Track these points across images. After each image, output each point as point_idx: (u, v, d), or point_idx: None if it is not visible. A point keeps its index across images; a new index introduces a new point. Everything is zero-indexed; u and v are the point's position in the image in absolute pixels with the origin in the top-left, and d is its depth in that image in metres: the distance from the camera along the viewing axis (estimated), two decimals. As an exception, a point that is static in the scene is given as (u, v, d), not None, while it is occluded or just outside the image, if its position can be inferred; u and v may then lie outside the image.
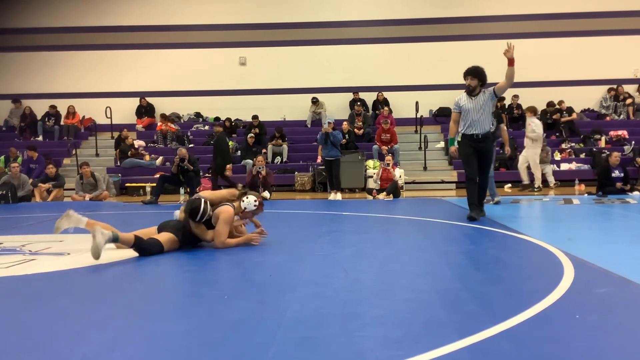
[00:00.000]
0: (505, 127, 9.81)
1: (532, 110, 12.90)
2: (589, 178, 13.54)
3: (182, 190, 11.46)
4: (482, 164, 7.19)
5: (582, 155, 15.33)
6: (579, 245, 5.19)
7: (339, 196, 11.64)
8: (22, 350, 2.67)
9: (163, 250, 5.09)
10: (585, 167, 14.79)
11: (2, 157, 14.27)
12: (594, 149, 15.33)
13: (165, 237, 5.18)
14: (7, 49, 18.03)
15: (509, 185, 13.74)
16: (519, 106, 16.93)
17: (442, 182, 14.48)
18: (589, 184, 12.79)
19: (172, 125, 16.81)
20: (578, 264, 4.25)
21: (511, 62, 6.82)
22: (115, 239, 4.91)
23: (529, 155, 12.59)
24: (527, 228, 6.35)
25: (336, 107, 17.64)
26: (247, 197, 5.52)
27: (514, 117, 16.89)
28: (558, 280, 3.73)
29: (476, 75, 6.98)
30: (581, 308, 3.18)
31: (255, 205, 5.53)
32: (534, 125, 12.49)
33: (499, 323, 2.85)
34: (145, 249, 5.00)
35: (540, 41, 17.56)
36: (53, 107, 17.34)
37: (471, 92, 7.03)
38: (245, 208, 5.51)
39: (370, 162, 14.38)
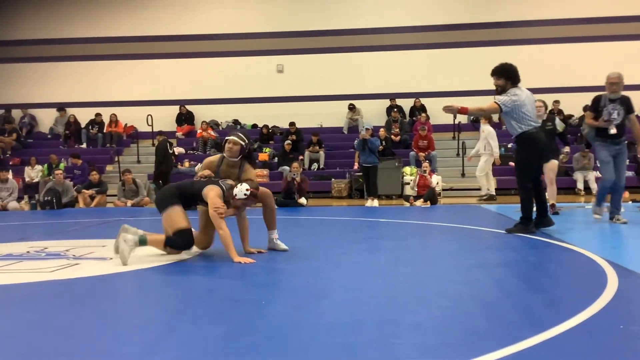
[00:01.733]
0: (634, 118, 7.74)
1: (486, 117, 12.51)
2: (634, 185, 13.18)
3: (220, 197, 11.55)
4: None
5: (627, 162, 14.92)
6: (623, 253, 5.06)
7: (375, 203, 11.60)
8: (67, 351, 2.74)
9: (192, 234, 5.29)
10: (630, 173, 14.38)
11: (45, 164, 14.67)
12: (639, 155, 14.91)
13: (184, 220, 5.27)
14: (53, 59, 18.57)
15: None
16: (560, 112, 16.62)
17: (481, 189, 14.28)
18: (634, 191, 12.45)
19: (212, 133, 17.06)
20: (622, 273, 4.14)
21: (462, 110, 6.33)
22: (142, 242, 5.11)
23: (480, 163, 12.38)
24: (569, 236, 6.21)
25: (373, 114, 17.61)
26: (240, 184, 5.32)
27: (555, 122, 16.57)
28: (601, 290, 3.64)
29: (502, 73, 6.39)
30: (625, 318, 3.09)
31: (245, 195, 5.28)
32: (487, 134, 12.16)
33: (540, 332, 2.79)
34: (178, 245, 5.23)
35: (582, 45, 17.23)
36: (98, 115, 17.79)
37: (500, 93, 6.44)
38: (235, 195, 5.29)
39: (407, 169, 14.30)
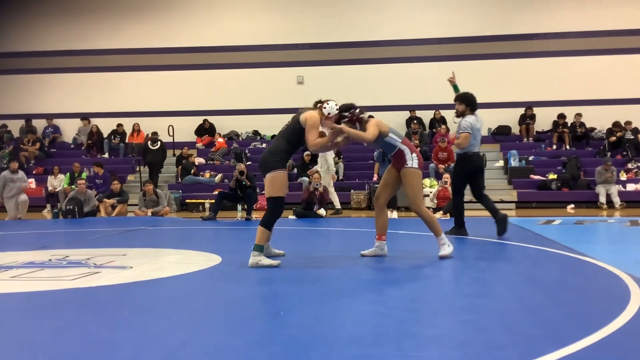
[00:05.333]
0: None
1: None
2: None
3: (239, 207, 11.63)
4: None
5: None
6: (648, 268, 4.97)
7: (395, 215, 11.56)
8: (88, 359, 2.77)
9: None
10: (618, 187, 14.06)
11: (68, 174, 14.82)
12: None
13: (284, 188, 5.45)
14: (76, 70, 18.86)
15: (572, 206, 13.35)
16: (582, 124, 16.44)
17: (502, 201, 14.16)
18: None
19: (220, 140, 17.33)
20: (646, 288, 4.07)
21: (452, 141, 7.51)
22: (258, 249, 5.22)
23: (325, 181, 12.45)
24: (591, 250, 6.12)
25: (393, 125, 16.92)
26: (327, 104, 5.56)
27: (577, 135, 16.40)
28: (624, 305, 3.58)
29: (463, 100, 7.39)
30: (650, 334, 3.04)
31: (337, 109, 5.57)
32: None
33: (561, 348, 2.75)
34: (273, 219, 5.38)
35: (605, 58, 17.02)
36: (120, 125, 18.01)
37: (458, 117, 7.52)
38: (329, 114, 5.53)
39: (426, 181, 14.23)
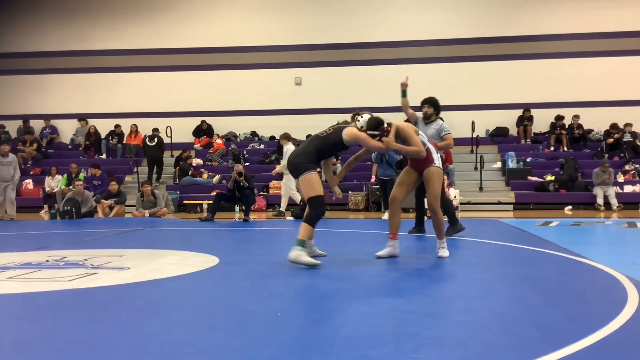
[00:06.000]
0: None
1: (286, 137, 12.58)
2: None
3: (237, 208, 11.63)
4: None
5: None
6: (645, 270, 4.97)
7: (394, 216, 11.55)
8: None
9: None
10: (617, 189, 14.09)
11: (65, 174, 14.80)
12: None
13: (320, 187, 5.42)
14: (74, 70, 18.84)
15: (570, 207, 13.37)
16: (579, 126, 16.47)
17: (499, 203, 14.20)
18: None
19: (218, 141, 17.33)
20: (644, 290, 4.08)
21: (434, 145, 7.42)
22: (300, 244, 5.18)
23: (284, 182, 12.46)
24: (588, 251, 6.14)
25: (391, 127, 17.55)
26: (361, 116, 5.59)
27: (575, 137, 16.43)
28: (622, 306, 3.59)
29: (432, 104, 7.56)
30: (648, 335, 3.04)
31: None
32: (286, 151, 12.04)
33: (560, 349, 2.76)
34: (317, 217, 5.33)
35: (603, 60, 17.04)
36: (117, 126, 17.98)
37: (426, 119, 7.60)
38: (362, 127, 5.53)
39: (424, 182, 14.22)
